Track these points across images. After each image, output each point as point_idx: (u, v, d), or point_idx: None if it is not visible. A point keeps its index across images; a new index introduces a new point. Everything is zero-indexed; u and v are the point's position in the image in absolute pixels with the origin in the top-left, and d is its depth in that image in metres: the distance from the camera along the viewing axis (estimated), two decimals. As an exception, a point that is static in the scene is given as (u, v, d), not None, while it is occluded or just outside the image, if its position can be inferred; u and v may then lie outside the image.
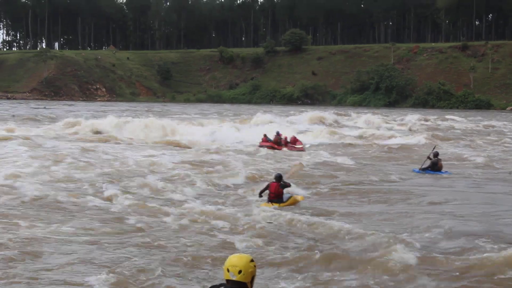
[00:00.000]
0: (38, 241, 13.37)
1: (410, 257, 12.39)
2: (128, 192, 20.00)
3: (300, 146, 41.10)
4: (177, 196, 19.86)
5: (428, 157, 27.91)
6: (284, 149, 40.02)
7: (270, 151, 36.86)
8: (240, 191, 21.61)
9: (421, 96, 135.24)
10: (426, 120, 69.53)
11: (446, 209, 18.46)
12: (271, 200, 18.96)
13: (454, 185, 23.94)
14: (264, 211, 17.71)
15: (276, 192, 18.85)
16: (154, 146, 37.09)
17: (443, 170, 27.48)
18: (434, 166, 27.35)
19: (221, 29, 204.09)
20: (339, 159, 31.50)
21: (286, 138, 42.01)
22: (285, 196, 19.22)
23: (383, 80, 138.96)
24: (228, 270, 6.72)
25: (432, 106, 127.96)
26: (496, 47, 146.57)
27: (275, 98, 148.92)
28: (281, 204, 18.69)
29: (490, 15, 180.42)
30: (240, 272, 6.66)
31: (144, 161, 28.09)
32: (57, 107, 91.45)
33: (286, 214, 17.19)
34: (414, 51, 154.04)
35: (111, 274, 11.29)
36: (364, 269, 12.06)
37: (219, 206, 18.20)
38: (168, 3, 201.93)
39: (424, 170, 27.46)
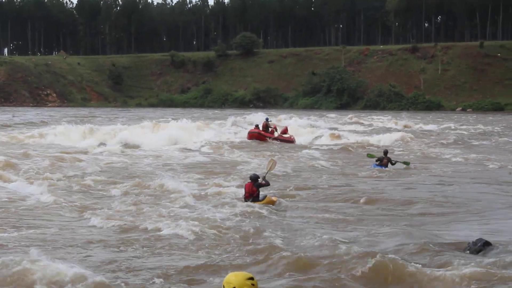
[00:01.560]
0: None
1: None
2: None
3: (288, 136, 42.47)
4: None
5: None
6: (270, 140, 42.27)
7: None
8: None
9: (372, 98, 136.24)
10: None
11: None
12: (246, 199, 19.42)
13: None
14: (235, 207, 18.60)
15: (250, 191, 19.35)
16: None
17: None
18: (380, 162, 29.17)
19: (172, 33, 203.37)
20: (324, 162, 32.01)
21: (275, 126, 43.52)
22: (261, 195, 19.65)
23: (334, 82, 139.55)
24: (223, 287, 6.58)
25: (383, 108, 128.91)
26: (446, 49, 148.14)
27: (227, 102, 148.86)
28: (257, 203, 19.12)
29: (439, 17, 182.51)
30: None
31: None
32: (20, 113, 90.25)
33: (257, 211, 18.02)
34: (364, 54, 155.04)
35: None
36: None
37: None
38: (118, 8, 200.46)
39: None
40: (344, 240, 14.01)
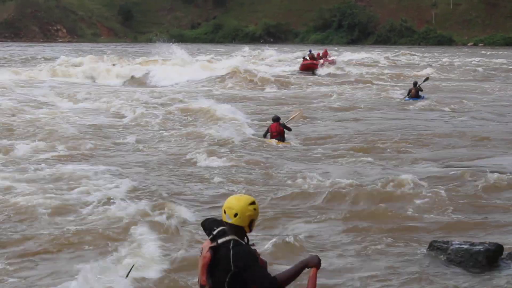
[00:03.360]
0: None
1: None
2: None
3: (332, 58, 48.56)
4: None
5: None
6: (321, 63, 49.65)
7: None
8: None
9: (383, 33, 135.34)
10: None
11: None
12: (274, 137, 20.50)
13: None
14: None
15: (277, 130, 20.55)
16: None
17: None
18: (408, 93, 32.68)
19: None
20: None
21: (318, 54, 52.07)
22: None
23: (345, 17, 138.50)
24: (224, 212, 6.50)
25: (394, 43, 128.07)
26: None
27: (237, 37, 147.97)
28: (284, 143, 20.30)
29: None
30: (236, 215, 6.41)
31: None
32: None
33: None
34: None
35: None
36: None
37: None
38: None
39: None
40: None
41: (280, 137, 20.13)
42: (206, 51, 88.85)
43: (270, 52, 75.26)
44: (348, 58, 67.25)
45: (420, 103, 30.42)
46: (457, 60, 69.53)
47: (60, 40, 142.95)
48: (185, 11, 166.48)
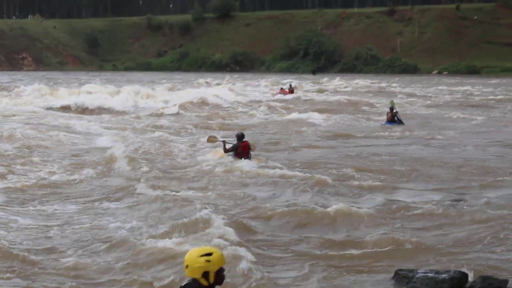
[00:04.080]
0: None
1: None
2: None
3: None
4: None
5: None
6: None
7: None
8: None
9: (349, 61, 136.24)
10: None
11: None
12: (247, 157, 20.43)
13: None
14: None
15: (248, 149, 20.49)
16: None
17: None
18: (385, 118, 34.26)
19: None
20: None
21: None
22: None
23: (312, 45, 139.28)
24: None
25: (360, 71, 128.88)
26: (422, 12, 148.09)
27: (204, 65, 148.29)
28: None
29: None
30: (187, 267, 6.55)
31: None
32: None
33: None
34: (341, 17, 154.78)
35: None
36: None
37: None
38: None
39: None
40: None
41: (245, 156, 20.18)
42: (172, 79, 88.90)
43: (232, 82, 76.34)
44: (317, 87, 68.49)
45: (396, 129, 30.98)
46: (424, 87, 70.31)
47: (25, 69, 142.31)
48: (151, 40, 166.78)
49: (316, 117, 37.07)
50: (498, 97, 55.50)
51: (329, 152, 24.72)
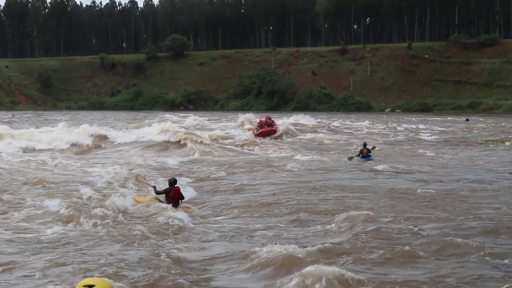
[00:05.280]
0: None
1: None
2: None
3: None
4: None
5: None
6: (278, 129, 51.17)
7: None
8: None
9: (302, 100, 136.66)
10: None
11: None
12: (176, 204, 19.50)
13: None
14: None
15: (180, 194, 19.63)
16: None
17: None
18: (360, 154, 33.49)
19: (101, 35, 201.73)
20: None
21: (261, 120, 53.31)
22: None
23: (265, 84, 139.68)
24: None
25: (313, 110, 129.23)
26: (375, 50, 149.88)
27: (157, 104, 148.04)
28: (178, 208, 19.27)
29: (368, 19, 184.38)
30: None
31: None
32: None
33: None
34: (294, 56, 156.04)
35: None
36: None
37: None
38: (47, 10, 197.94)
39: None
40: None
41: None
42: (125, 118, 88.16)
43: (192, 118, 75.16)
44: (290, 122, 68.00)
45: (369, 163, 30.96)
46: (378, 125, 70.60)
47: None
48: (105, 79, 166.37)
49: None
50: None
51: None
